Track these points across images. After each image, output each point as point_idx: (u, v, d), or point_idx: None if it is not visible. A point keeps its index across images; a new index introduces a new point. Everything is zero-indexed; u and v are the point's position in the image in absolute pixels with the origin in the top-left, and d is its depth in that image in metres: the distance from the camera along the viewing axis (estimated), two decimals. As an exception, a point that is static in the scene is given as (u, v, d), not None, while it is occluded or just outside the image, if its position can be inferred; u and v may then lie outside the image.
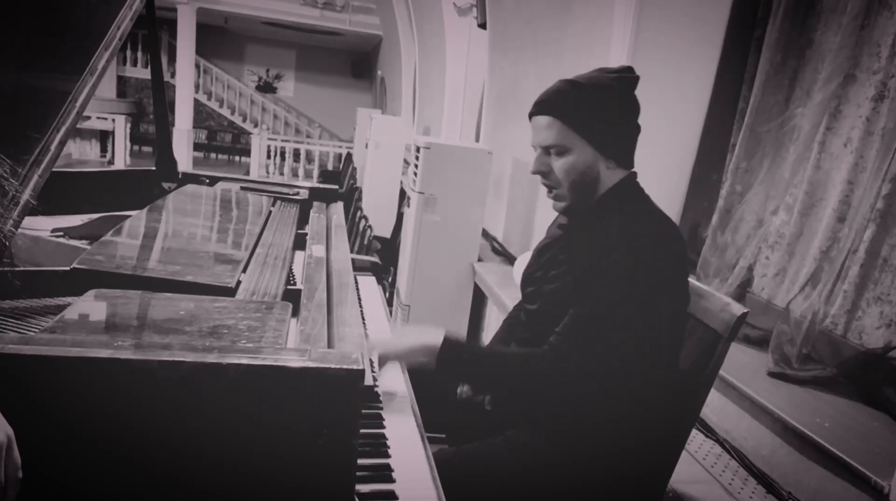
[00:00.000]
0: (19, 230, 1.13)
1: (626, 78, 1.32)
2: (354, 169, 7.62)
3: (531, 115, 1.33)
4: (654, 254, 1.23)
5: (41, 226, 1.82)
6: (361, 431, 0.87)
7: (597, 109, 1.27)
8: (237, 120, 15.03)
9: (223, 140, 14.88)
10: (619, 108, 1.30)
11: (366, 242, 3.87)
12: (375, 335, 1.31)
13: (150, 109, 13.49)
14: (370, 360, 1.28)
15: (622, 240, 1.23)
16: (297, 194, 2.52)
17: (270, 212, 2.11)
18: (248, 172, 11.12)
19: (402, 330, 1.31)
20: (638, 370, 1.25)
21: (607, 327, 1.20)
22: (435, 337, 1.25)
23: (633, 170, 1.36)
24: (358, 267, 2.03)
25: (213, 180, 2.60)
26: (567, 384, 1.22)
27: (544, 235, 1.59)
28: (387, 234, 5.88)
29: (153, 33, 2.37)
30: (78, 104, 1.23)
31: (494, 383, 1.32)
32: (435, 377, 1.56)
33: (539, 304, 1.37)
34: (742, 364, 2.19)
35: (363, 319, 1.64)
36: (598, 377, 1.21)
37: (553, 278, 1.35)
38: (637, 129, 1.35)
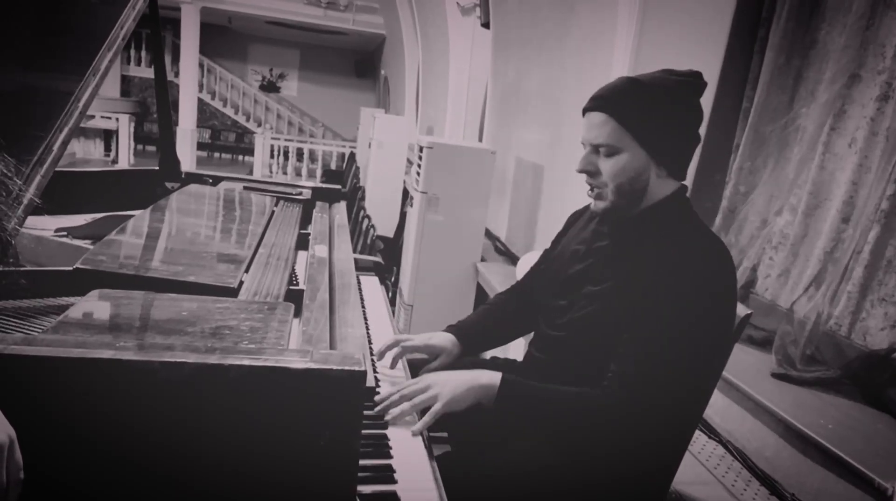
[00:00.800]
0: (23, 230, 1.14)
1: (691, 83, 1.25)
2: (357, 168, 7.62)
3: (586, 110, 1.26)
4: (712, 283, 1.16)
5: (44, 226, 1.83)
6: (363, 431, 0.87)
7: (656, 112, 1.19)
8: (241, 119, 15.06)
9: (227, 139, 14.90)
10: (680, 113, 1.22)
11: (369, 241, 3.87)
12: (430, 376, 1.23)
13: (154, 109, 13.52)
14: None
15: (679, 267, 1.16)
16: (300, 193, 2.52)
17: (273, 212, 2.11)
18: (251, 172, 11.14)
19: (451, 375, 1.21)
20: (690, 402, 1.20)
21: (672, 361, 1.13)
22: (491, 375, 1.19)
23: (684, 183, 1.29)
24: (361, 267, 2.03)
25: (216, 180, 2.60)
26: (633, 428, 1.14)
27: (562, 226, 1.53)
28: (390, 233, 5.88)
29: (156, 33, 2.37)
30: (81, 104, 1.23)
31: (552, 425, 1.22)
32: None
33: (576, 320, 1.29)
34: (745, 365, 2.18)
35: (366, 319, 1.64)
36: (666, 416, 1.14)
37: (593, 295, 1.27)
38: (697, 139, 1.26)
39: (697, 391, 1.20)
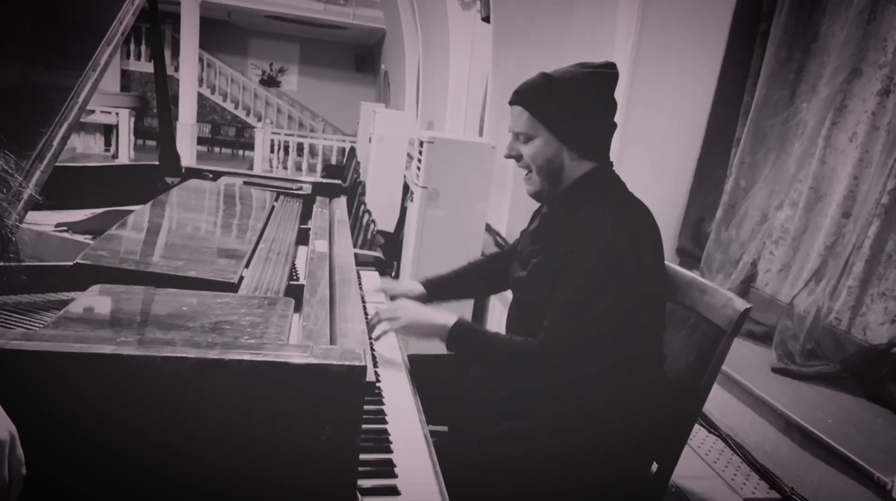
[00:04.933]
0: (24, 225, 1.13)
1: (602, 74, 1.36)
2: (358, 163, 7.62)
3: (509, 103, 1.40)
4: (626, 237, 1.27)
5: (45, 221, 1.82)
6: (364, 426, 0.87)
7: (563, 103, 1.33)
8: (241, 114, 15.03)
9: (227, 134, 14.88)
10: (587, 103, 1.34)
11: (369, 236, 3.87)
12: (403, 302, 1.49)
13: (153, 103, 13.50)
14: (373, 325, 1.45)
15: (595, 225, 1.28)
16: (300, 188, 2.52)
17: (273, 207, 2.11)
18: (251, 167, 11.12)
19: (420, 308, 1.47)
20: (626, 353, 1.28)
21: (591, 313, 1.25)
22: (448, 318, 1.39)
23: (605, 163, 1.40)
24: (361, 262, 2.03)
25: (217, 175, 2.60)
26: (560, 373, 1.27)
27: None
28: (390, 228, 5.87)
29: (156, 28, 2.36)
30: (80, 99, 1.23)
31: (494, 366, 1.41)
32: (437, 370, 1.58)
33: (522, 292, 1.45)
34: (745, 360, 2.19)
35: (366, 314, 1.64)
36: (589, 362, 1.26)
37: (533, 267, 1.41)
38: (610, 125, 1.39)
39: (624, 332, 1.28)
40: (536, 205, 1.55)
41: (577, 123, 1.35)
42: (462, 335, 1.37)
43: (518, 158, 1.41)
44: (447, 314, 1.41)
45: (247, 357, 0.78)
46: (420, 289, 1.71)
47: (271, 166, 11.16)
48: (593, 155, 1.38)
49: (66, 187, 1.95)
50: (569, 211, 1.37)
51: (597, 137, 1.38)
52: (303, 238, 1.92)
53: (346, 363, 0.81)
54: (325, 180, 2.74)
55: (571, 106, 1.33)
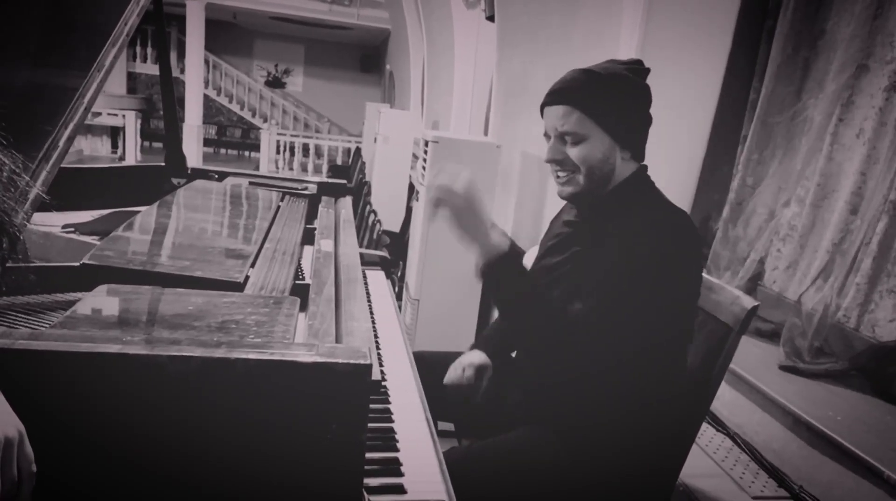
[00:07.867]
0: (32, 226, 1.14)
1: (639, 69, 1.32)
2: (363, 163, 7.63)
3: (545, 104, 1.31)
4: (676, 246, 1.22)
5: (52, 222, 1.83)
6: (370, 425, 0.87)
7: (614, 99, 1.25)
8: (246, 115, 15.07)
9: (233, 135, 14.92)
10: (633, 98, 1.29)
11: (375, 236, 3.87)
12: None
13: (160, 105, 13.52)
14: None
15: (646, 231, 1.22)
16: (306, 188, 2.52)
17: (279, 207, 2.11)
18: (257, 168, 11.14)
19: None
20: (653, 363, 1.24)
21: (627, 312, 1.18)
22: (504, 240, 1.24)
23: (643, 163, 1.35)
24: (367, 262, 2.03)
25: (222, 175, 2.60)
26: (585, 354, 1.18)
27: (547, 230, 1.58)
28: (396, 228, 5.87)
29: (161, 30, 2.37)
30: (86, 100, 1.23)
31: (522, 315, 1.25)
32: (444, 368, 1.57)
33: (558, 295, 1.34)
34: (753, 358, 2.18)
35: (372, 313, 1.65)
36: (609, 357, 1.18)
37: (569, 272, 1.33)
38: (650, 120, 1.33)
39: (656, 341, 1.21)
40: (540, 206, 1.53)
41: (630, 120, 1.29)
42: (505, 264, 1.21)
43: (563, 162, 1.30)
44: (499, 231, 1.25)
45: (252, 356, 0.78)
46: (484, 359, 1.55)
47: (277, 167, 11.19)
48: (640, 154, 1.33)
49: (72, 189, 1.95)
50: (614, 216, 1.29)
51: (643, 134, 1.33)
52: (308, 238, 1.92)
53: (352, 361, 0.81)
54: (330, 180, 2.74)
55: (622, 102, 1.26)
